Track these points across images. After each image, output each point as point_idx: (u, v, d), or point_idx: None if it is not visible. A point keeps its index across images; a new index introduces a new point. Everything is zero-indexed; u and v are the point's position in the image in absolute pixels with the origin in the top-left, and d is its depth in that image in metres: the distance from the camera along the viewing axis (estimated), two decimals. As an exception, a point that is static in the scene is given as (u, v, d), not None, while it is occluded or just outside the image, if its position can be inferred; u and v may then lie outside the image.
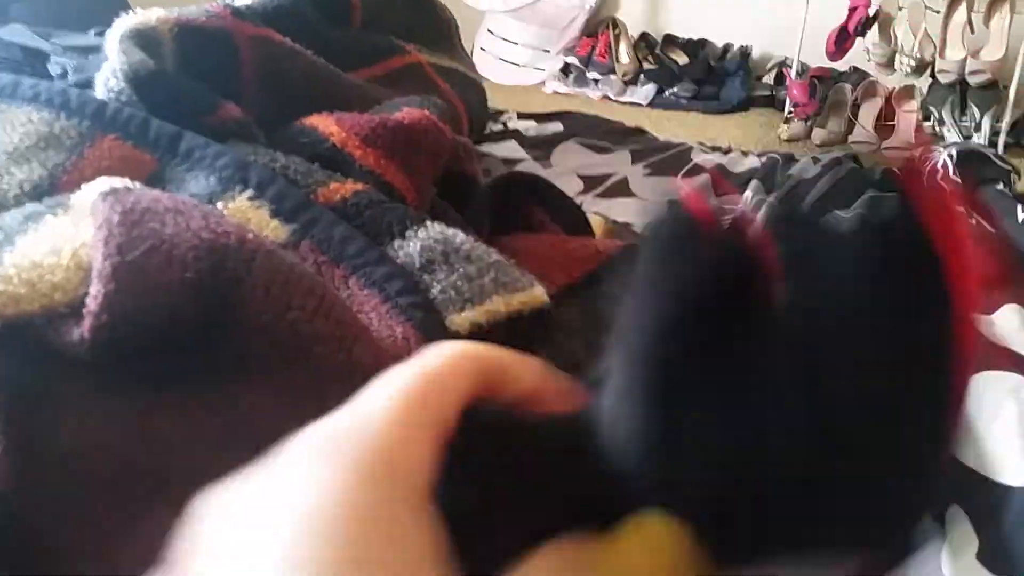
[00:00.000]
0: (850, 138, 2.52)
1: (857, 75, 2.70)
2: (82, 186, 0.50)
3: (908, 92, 2.54)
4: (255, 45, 0.70)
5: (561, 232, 0.68)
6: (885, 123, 2.53)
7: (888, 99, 2.55)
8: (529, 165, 1.07)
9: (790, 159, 1.06)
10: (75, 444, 0.45)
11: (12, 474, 0.39)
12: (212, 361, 0.48)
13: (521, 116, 1.27)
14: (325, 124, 0.63)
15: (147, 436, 0.45)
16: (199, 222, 0.45)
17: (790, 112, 2.67)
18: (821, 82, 2.68)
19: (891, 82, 2.57)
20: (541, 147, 1.12)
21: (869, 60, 2.62)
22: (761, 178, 0.97)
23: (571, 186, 1.00)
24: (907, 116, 2.51)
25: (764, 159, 1.05)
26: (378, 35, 0.90)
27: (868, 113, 2.57)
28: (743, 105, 2.95)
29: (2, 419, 0.41)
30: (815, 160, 1.01)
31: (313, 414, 0.47)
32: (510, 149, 1.12)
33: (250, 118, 0.64)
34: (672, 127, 2.84)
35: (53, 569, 0.40)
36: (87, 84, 0.71)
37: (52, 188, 0.57)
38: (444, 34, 1.09)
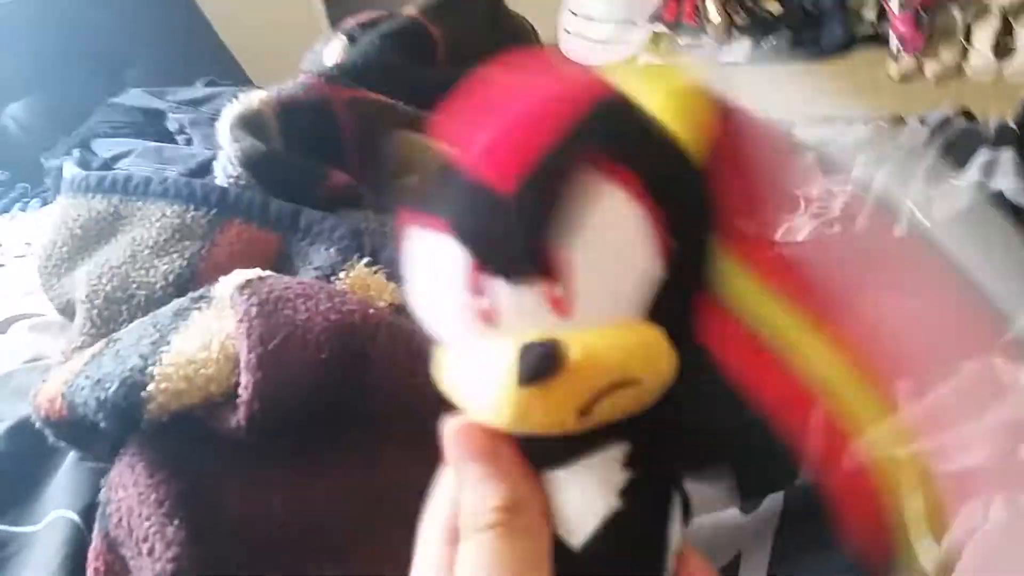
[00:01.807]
0: (967, 67, 2.38)
1: (966, -2, 2.53)
2: (220, 279, 0.56)
3: (1027, 8, 2.36)
4: (351, 108, 0.75)
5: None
6: (1004, 46, 2.37)
7: (1004, 18, 2.39)
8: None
9: (898, 122, 1.02)
10: (242, 517, 0.50)
11: (196, 556, 0.45)
12: (348, 426, 0.52)
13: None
14: (426, 181, 0.67)
15: (304, 502, 0.50)
16: (326, 304, 0.50)
17: (898, 48, 2.54)
18: (927, 11, 2.53)
19: (1006, -1, 2.41)
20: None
21: (979, -20, 2.46)
22: (868, 151, 0.94)
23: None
24: (1028, 35, 2.34)
25: (869, 127, 1.02)
26: (463, 68, 0.93)
27: (983, 37, 2.41)
28: (846, 47, 2.82)
29: (181, 506, 0.47)
30: (922, 122, 0.97)
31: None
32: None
33: (356, 182, 0.68)
34: (774, 81, 2.75)
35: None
36: (208, 164, 0.77)
37: (192, 276, 0.63)
38: (525, 47, 1.11)
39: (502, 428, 0.23)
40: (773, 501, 0.49)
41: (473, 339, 0.23)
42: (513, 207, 0.22)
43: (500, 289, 0.22)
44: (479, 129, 0.24)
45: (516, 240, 0.22)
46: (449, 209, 0.24)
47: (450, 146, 0.25)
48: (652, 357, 0.22)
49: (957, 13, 2.48)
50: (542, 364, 0.21)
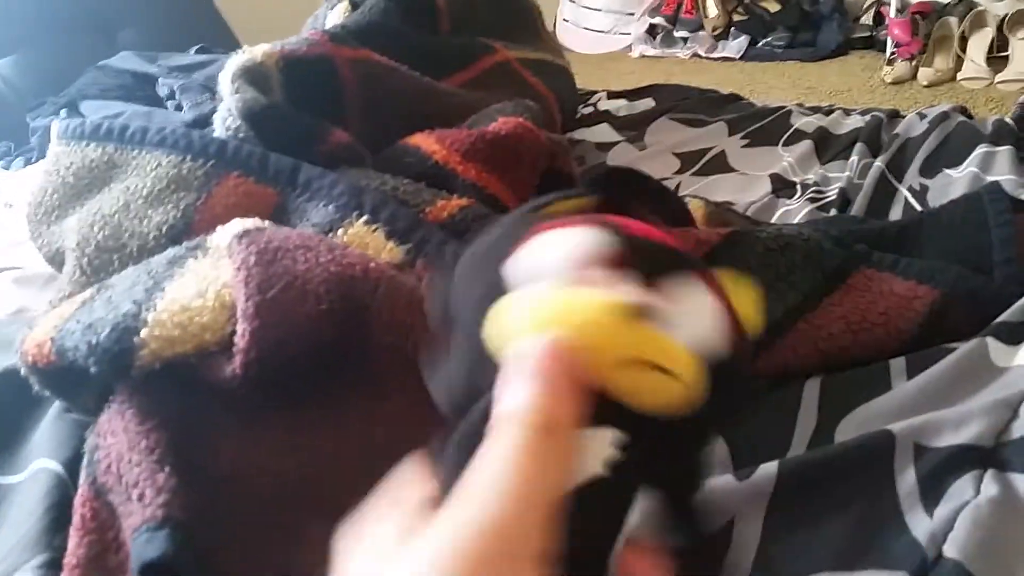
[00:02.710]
0: (959, 75, 2.39)
1: (963, 6, 2.55)
2: (217, 228, 0.55)
3: (1022, 18, 2.38)
4: (354, 67, 0.74)
5: (661, 224, 0.69)
6: (997, 55, 2.38)
7: (1000, 28, 2.40)
8: (623, 147, 1.07)
9: (895, 115, 1.03)
10: (234, 467, 0.49)
11: (187, 504, 0.44)
12: (347, 380, 0.52)
13: (611, 95, 1.27)
14: (427, 143, 0.66)
15: (296, 453, 0.50)
16: (326, 256, 0.49)
17: (892, 53, 2.56)
18: (924, 18, 2.55)
19: (1001, 9, 2.42)
20: (634, 127, 1.12)
21: (976, -12, 2.48)
22: (866, 140, 0.94)
23: (667, 166, 1.00)
24: (1022, 44, 2.36)
25: (868, 117, 1.02)
26: (466, 37, 0.92)
27: (978, 46, 2.43)
28: (841, 49, 2.84)
29: (171, 454, 0.46)
30: (921, 116, 0.97)
31: (440, 421, 0.50)
32: (602, 132, 1.12)
33: (356, 141, 0.67)
34: (769, 79, 2.76)
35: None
36: (206, 120, 0.76)
37: (186, 227, 0.62)
38: (528, 24, 1.11)
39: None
40: (767, 470, 0.48)
41: None
42: None
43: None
44: None
45: None
46: None
47: None
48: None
49: (953, 22, 2.50)
50: None
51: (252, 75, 0.67)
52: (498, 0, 1.01)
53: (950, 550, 0.43)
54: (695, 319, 0.26)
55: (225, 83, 0.67)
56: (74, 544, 0.48)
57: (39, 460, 0.59)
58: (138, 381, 0.51)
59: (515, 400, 0.25)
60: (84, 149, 0.68)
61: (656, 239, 0.28)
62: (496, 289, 0.28)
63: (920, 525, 0.45)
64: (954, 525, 0.44)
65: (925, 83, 2.44)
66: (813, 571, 0.45)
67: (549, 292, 0.26)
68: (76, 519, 0.50)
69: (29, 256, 0.87)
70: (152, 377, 0.50)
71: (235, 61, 0.68)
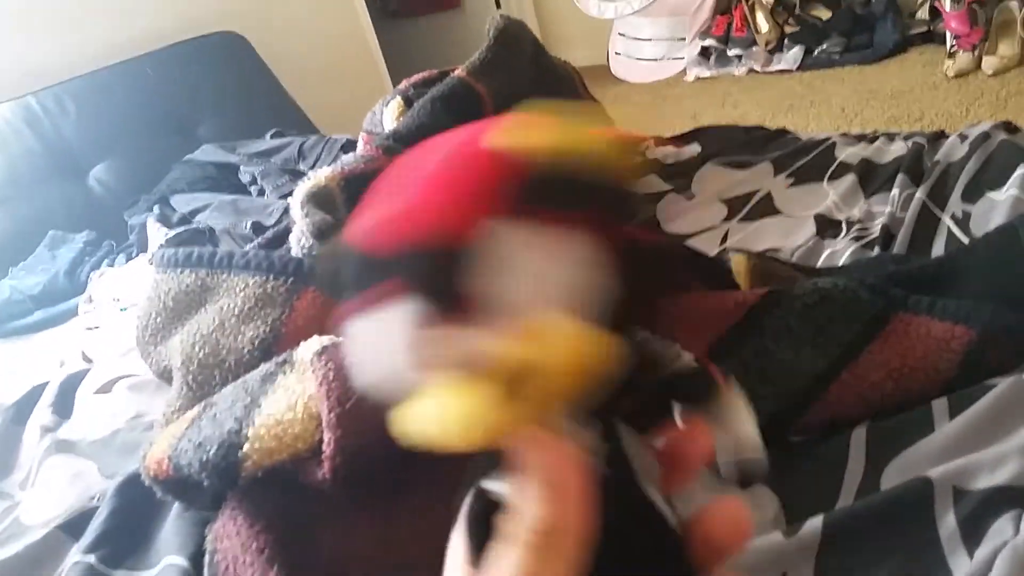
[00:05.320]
0: (1024, 61, 2.34)
1: (1021, -10, 2.49)
2: (300, 343, 0.62)
3: (1085, -5, 2.32)
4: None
5: (708, 290, 0.73)
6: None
7: (1062, 8, 2.35)
8: (672, 197, 1.11)
9: (939, 137, 1.04)
10: (333, 558, 0.56)
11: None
12: (426, 471, 0.58)
13: (658, 143, 1.31)
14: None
15: (390, 542, 0.56)
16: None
17: (952, 46, 2.51)
18: (982, 5, 2.50)
19: (1063, -12, 2.36)
20: (681, 175, 1.16)
21: (1032, -29, 2.42)
22: (907, 169, 0.96)
23: (715, 214, 1.04)
24: (1087, 24, 2.29)
25: (910, 143, 1.04)
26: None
27: (1042, 29, 2.37)
28: (900, 48, 2.80)
29: (279, 551, 0.53)
30: (963, 137, 0.99)
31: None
32: (651, 183, 1.16)
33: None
34: (828, 87, 2.74)
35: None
36: (282, 235, 0.84)
37: (275, 339, 0.70)
38: (569, 92, 1.17)
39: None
40: (813, 525, 0.52)
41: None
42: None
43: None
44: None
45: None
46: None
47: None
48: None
49: (1014, 6, 2.44)
50: None
51: (319, 198, 0.75)
52: (537, 80, 1.07)
53: (990, 591, 0.45)
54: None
55: (296, 208, 0.75)
56: (205, 636, 0.56)
57: (168, 556, 0.67)
58: (245, 488, 0.59)
59: (531, 513, 0.25)
60: (179, 276, 0.77)
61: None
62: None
63: (962, 567, 0.48)
64: (993, 565, 0.47)
65: (990, 72, 2.39)
66: (862, 619, 0.48)
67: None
68: (204, 614, 0.57)
69: (140, 363, 0.97)
70: (257, 483, 0.57)
71: (302, 188, 0.76)
